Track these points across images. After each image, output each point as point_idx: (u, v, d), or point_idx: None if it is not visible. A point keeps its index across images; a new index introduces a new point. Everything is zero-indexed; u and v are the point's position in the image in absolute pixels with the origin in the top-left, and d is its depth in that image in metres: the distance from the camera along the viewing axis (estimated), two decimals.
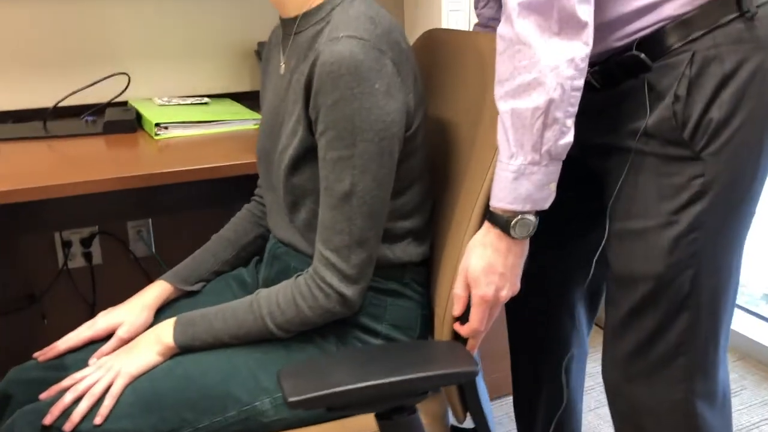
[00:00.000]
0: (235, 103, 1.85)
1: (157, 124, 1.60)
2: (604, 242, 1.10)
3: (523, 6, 0.88)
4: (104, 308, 1.99)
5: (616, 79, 1.03)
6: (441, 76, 1.21)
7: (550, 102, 0.89)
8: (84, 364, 1.06)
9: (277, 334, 1.02)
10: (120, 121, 1.62)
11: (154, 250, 2.03)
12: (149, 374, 1.00)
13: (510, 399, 1.97)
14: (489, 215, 0.97)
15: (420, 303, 1.11)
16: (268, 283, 1.15)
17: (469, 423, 1.10)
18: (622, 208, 1.05)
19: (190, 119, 1.62)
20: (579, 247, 1.30)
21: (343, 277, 0.99)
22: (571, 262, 1.32)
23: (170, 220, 2.02)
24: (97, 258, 1.98)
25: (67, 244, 1.92)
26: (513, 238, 0.96)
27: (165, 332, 1.03)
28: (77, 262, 1.96)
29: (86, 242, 1.95)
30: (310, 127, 1.00)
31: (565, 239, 1.30)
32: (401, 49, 1.00)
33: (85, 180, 1.30)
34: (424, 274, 1.12)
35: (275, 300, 1.01)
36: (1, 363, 1.76)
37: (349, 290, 0.99)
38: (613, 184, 1.07)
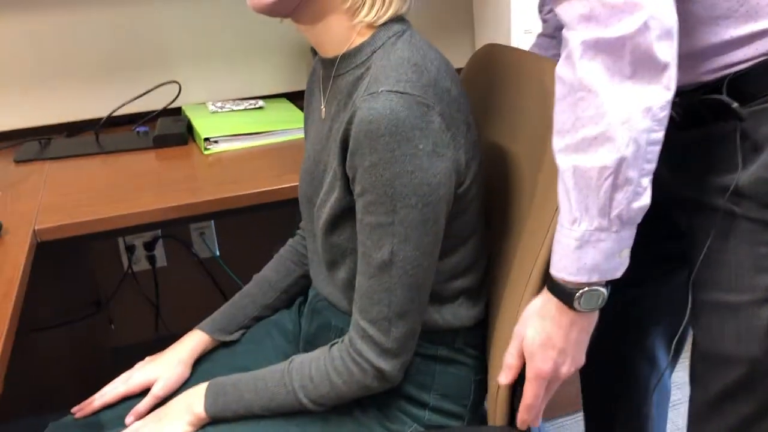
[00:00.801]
0: (291, 106, 1.75)
1: (206, 139, 1.53)
2: (688, 312, 0.95)
3: (588, 45, 0.73)
4: (169, 311, 2.00)
5: (702, 119, 0.87)
6: (500, 98, 1.07)
7: (622, 160, 0.74)
8: (119, 421, 1.02)
9: (311, 408, 0.94)
10: (170, 134, 1.56)
11: (217, 251, 1.99)
12: None
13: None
14: (549, 283, 0.84)
15: (474, 368, 1.00)
16: (308, 338, 1.07)
17: None
18: (709, 276, 0.90)
19: (240, 131, 1.54)
20: (660, 288, 1.15)
21: (382, 351, 0.89)
22: (650, 302, 1.17)
23: (233, 221, 1.98)
24: (160, 261, 1.97)
25: (130, 249, 1.92)
26: (577, 311, 0.83)
27: (197, 401, 0.97)
28: (141, 265, 1.95)
29: (149, 246, 1.93)
30: (347, 185, 0.90)
31: (644, 278, 1.15)
32: (452, 98, 0.87)
33: (131, 212, 1.27)
34: (479, 337, 1.01)
35: (308, 373, 0.93)
36: (72, 372, 1.80)
37: (388, 365, 0.90)
38: (699, 245, 0.91)
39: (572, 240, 0.79)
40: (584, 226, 0.78)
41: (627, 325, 1.20)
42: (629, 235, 0.80)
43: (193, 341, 1.10)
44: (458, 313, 0.97)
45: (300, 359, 0.95)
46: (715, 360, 0.91)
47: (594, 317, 0.86)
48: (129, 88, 1.71)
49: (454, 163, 0.86)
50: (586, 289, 0.81)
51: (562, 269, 0.81)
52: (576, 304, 0.82)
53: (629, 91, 0.73)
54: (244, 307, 1.15)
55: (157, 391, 1.04)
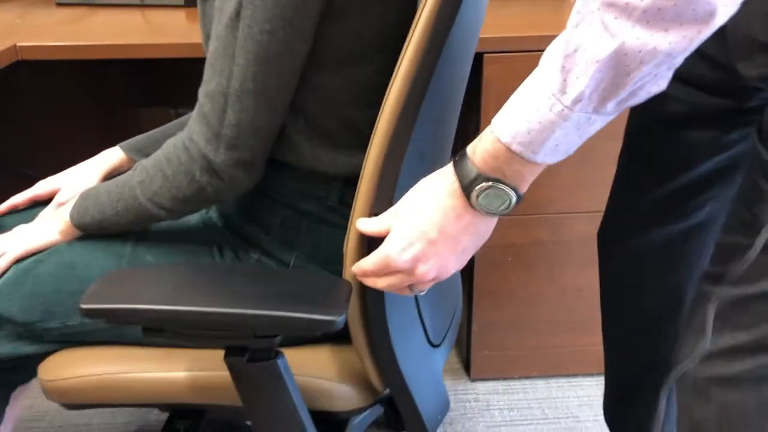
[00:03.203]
0: None
1: None
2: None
3: None
4: None
5: None
6: None
7: (694, 40, 0.55)
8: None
9: (153, 211, 0.83)
10: None
11: None
12: (40, 254, 0.89)
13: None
14: (457, 158, 0.66)
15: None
16: None
17: None
18: None
19: None
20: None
21: (213, 135, 0.76)
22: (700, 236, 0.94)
23: None
24: None
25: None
26: (472, 206, 0.65)
27: (68, 208, 0.91)
28: None
29: None
30: None
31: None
32: None
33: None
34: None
35: (146, 165, 0.83)
36: None
37: (217, 155, 0.77)
38: None
39: (557, 117, 0.59)
40: (583, 108, 0.58)
41: (681, 266, 0.97)
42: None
43: (107, 155, 1.05)
44: (336, 159, 0.83)
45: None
46: None
47: (486, 229, 0.68)
48: None
49: None
50: (495, 184, 0.63)
51: (515, 136, 0.60)
52: (473, 197, 0.64)
53: None
54: (167, 131, 1.06)
55: (60, 197, 1.00)
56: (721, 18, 0.53)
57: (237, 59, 0.74)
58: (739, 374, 0.71)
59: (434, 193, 0.67)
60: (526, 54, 1.28)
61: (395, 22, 0.79)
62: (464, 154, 0.65)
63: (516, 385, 1.58)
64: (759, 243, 0.68)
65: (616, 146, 0.97)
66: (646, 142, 0.91)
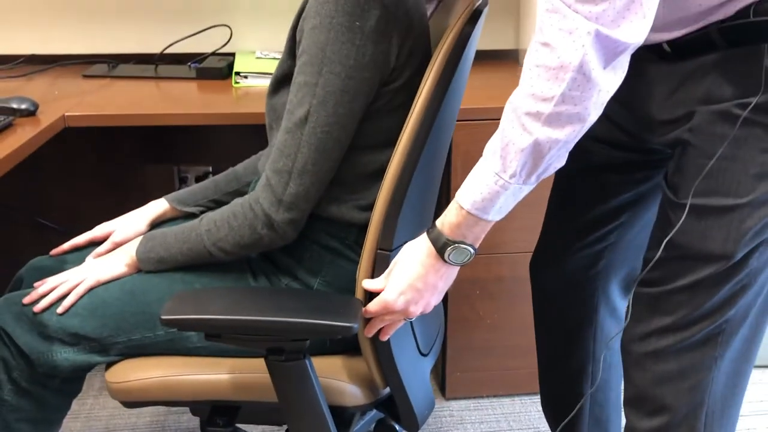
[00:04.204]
0: None
1: (236, 73, 1.74)
2: (656, 221, 1.02)
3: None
4: None
5: (714, 47, 0.91)
6: None
7: (579, 133, 0.85)
8: (82, 261, 1.19)
9: (214, 253, 1.06)
10: (211, 68, 1.80)
11: None
12: (107, 284, 1.12)
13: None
14: (430, 229, 0.95)
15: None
16: None
17: None
18: (709, 184, 0.93)
19: (269, 71, 1.74)
20: (625, 235, 1.20)
21: (276, 201, 1.01)
22: (615, 252, 1.21)
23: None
24: None
25: (183, 180, 2.16)
26: (446, 262, 0.94)
27: (134, 245, 1.14)
28: None
29: (200, 179, 2.17)
30: (293, 49, 1.04)
31: (611, 230, 1.19)
32: (403, 2, 0.98)
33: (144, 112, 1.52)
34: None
35: (214, 217, 1.06)
36: None
37: (277, 215, 1.01)
38: (699, 157, 0.94)
39: (500, 188, 0.87)
40: (517, 181, 0.87)
41: (597, 278, 1.24)
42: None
43: (154, 205, 1.28)
44: (354, 213, 1.07)
45: (213, 212, 1.09)
46: (692, 257, 0.95)
47: (454, 274, 0.97)
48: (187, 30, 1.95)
49: (385, 56, 0.98)
50: (458, 245, 0.92)
51: (473, 203, 0.89)
52: (446, 256, 0.93)
53: (611, 78, 0.84)
54: (206, 188, 1.30)
55: (115, 238, 1.22)
56: (593, 119, 0.84)
57: (302, 149, 0.99)
58: (665, 348, 0.99)
59: (417, 256, 0.96)
60: (486, 122, 1.56)
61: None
62: (434, 226, 0.94)
63: (485, 402, 1.82)
64: (667, 252, 0.96)
65: None
66: (571, 184, 1.20)
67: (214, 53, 1.91)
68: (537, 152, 0.85)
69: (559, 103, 0.81)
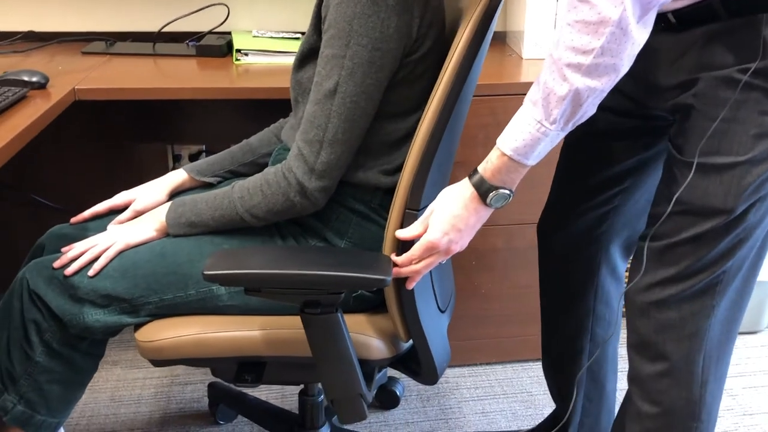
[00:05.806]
0: None
1: (237, 50, 1.77)
2: (662, 180, 1.10)
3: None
4: None
5: (716, 16, 0.99)
6: None
7: (613, 82, 0.92)
8: (103, 228, 1.22)
9: (246, 219, 1.11)
10: (211, 46, 1.82)
11: None
12: (137, 247, 1.16)
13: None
14: (473, 175, 1.00)
15: (385, 228, 1.16)
16: None
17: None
18: (709, 144, 1.01)
19: (268, 48, 1.78)
20: (627, 200, 1.28)
21: (309, 170, 1.06)
22: (617, 216, 1.30)
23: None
24: None
25: (177, 158, 2.19)
26: (486, 205, 1.01)
27: (163, 211, 1.17)
28: None
29: (194, 158, 2.20)
30: (318, 25, 1.08)
31: (615, 193, 1.28)
32: None
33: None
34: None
35: (246, 185, 1.11)
36: None
37: (310, 183, 1.06)
38: (702, 119, 1.02)
39: (541, 135, 0.94)
40: (557, 128, 0.94)
41: (600, 239, 1.32)
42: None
43: (172, 175, 1.32)
44: (380, 178, 1.13)
45: (245, 179, 1.14)
46: (694, 211, 1.03)
47: (487, 217, 1.04)
48: (184, 9, 1.96)
49: (408, 28, 1.03)
50: (499, 189, 0.99)
51: (515, 149, 0.96)
52: (489, 200, 1.00)
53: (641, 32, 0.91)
54: (223, 159, 1.35)
55: (136, 206, 1.25)
56: (625, 70, 0.92)
57: (332, 119, 1.04)
58: (667, 297, 1.07)
59: (460, 200, 1.02)
60: (475, 98, 1.62)
61: (429, 88, 1.10)
62: (476, 172, 1.00)
63: (479, 369, 1.90)
64: (672, 208, 1.04)
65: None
66: (578, 149, 1.28)
67: (211, 32, 1.93)
68: (576, 100, 0.92)
69: (599, 56, 0.89)
